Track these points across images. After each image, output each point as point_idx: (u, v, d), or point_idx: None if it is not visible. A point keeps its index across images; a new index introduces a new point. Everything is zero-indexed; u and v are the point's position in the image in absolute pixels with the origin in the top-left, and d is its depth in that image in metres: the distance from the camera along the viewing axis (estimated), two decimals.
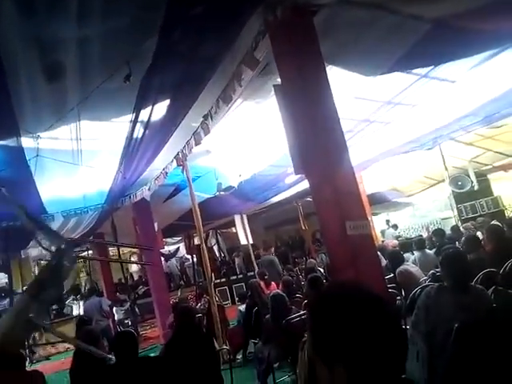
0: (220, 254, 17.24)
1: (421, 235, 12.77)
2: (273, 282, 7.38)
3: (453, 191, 10.89)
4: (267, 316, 5.04)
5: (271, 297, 5.17)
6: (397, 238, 12.22)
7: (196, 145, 5.23)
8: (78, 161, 5.13)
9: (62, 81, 3.43)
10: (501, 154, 10.52)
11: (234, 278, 14.20)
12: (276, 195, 10.47)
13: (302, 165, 3.34)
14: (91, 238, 11.61)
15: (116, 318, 10.52)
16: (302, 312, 4.82)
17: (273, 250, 16.12)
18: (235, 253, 15.83)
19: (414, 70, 5.24)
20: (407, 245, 7.47)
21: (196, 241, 16.66)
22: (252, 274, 12.01)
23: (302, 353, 4.21)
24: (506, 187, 12.59)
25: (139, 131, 4.50)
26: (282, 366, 5.39)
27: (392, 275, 5.38)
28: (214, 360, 3.78)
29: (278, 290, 5.79)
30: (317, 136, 3.24)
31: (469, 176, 10.58)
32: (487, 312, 2.84)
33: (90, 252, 14.80)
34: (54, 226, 8.19)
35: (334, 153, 3.27)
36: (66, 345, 10.32)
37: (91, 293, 10.72)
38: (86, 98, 3.46)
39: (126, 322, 10.94)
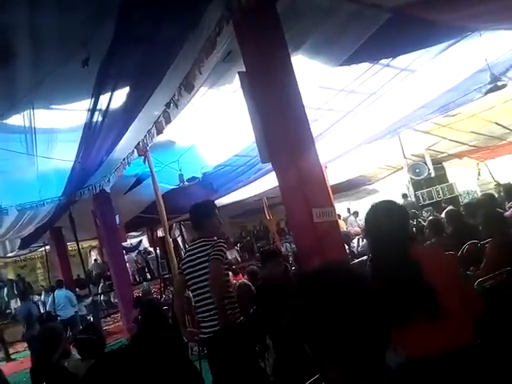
0: (184, 246, 17.05)
1: None
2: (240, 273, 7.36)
3: (411, 178, 11.23)
4: None
5: (237, 287, 5.16)
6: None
7: (158, 134, 5.03)
8: (33, 151, 4.87)
9: (12, 67, 3.22)
10: (455, 141, 10.93)
11: None
12: (239, 188, 10.31)
13: (268, 153, 3.32)
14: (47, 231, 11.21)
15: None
16: None
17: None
18: None
19: (376, 60, 5.33)
20: None
21: (160, 233, 16.36)
22: None
23: (270, 340, 4.24)
24: (459, 174, 13.15)
25: (98, 119, 4.31)
26: None
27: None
28: (182, 351, 3.73)
29: (244, 280, 5.78)
30: (282, 123, 3.22)
31: (426, 163, 10.95)
32: None
33: (47, 247, 14.21)
34: (9, 220, 7.81)
35: (299, 140, 3.25)
36: (25, 344, 9.89)
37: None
38: (39, 84, 3.26)
39: (88, 318, 10.64)
